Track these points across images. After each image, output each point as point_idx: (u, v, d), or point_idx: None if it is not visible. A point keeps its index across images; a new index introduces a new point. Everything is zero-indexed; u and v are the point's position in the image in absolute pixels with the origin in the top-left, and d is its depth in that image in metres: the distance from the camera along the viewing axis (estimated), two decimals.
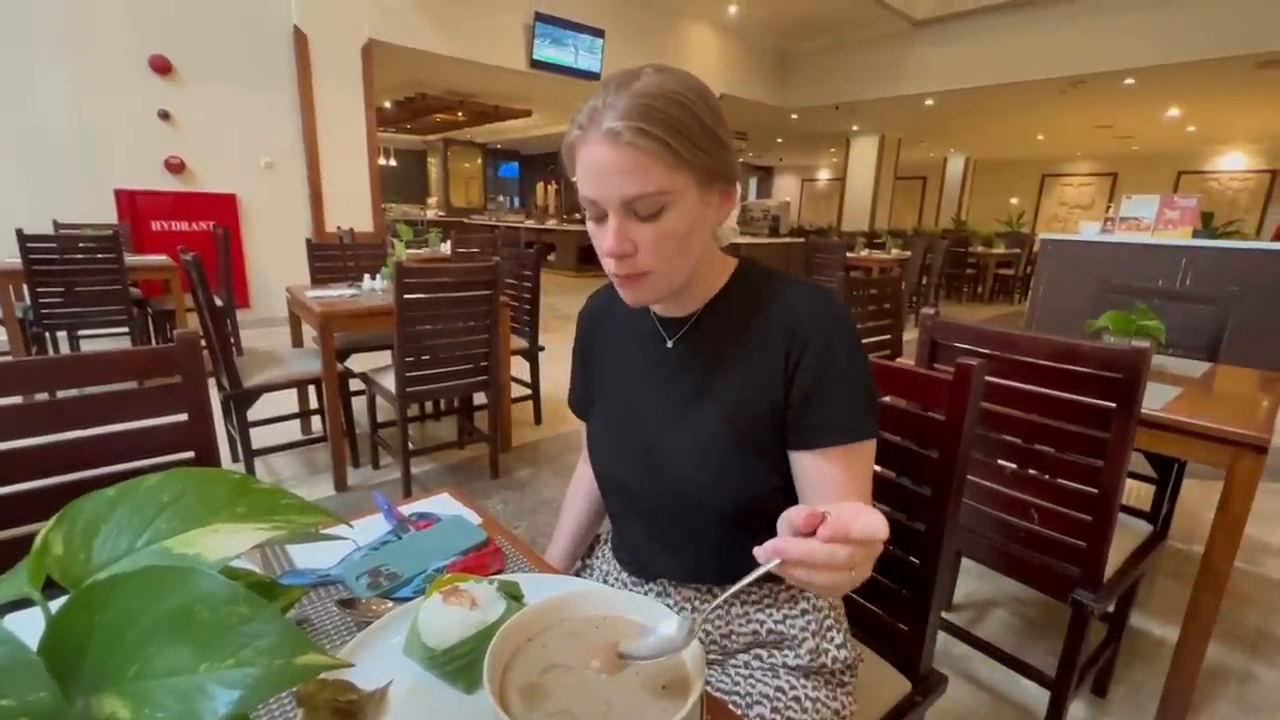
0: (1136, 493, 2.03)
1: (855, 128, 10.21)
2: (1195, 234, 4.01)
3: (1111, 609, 1.44)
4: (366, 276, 2.64)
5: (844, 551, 0.42)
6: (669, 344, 0.71)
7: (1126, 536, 1.35)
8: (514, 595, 0.54)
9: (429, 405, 3.16)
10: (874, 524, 0.42)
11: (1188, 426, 1.25)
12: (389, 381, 2.22)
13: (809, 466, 0.65)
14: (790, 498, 0.68)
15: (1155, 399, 1.36)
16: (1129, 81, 6.55)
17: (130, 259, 3.27)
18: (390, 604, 0.60)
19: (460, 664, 0.48)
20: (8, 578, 0.29)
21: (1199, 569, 1.31)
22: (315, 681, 0.45)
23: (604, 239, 0.61)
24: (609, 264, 0.62)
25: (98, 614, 0.26)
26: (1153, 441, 1.31)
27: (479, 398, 2.68)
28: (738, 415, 0.66)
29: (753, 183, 16.60)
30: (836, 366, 0.64)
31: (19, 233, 2.77)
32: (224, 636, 0.25)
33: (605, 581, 0.83)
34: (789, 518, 0.45)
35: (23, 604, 0.31)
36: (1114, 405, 1.09)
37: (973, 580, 1.91)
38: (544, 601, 0.49)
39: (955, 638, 1.52)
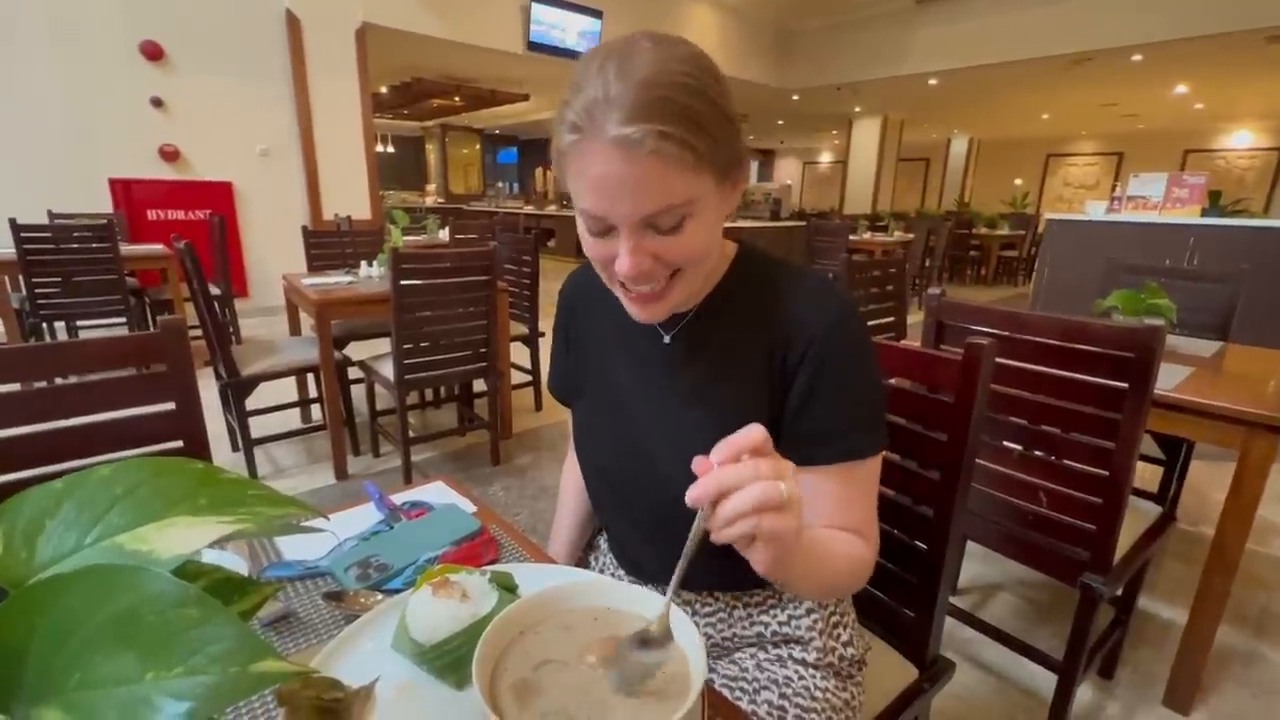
0: (1143, 474, 2.01)
1: (857, 109, 10.09)
2: (1204, 212, 3.95)
3: (1120, 593, 1.42)
4: (364, 263, 2.60)
5: (751, 465, 0.40)
6: (666, 339, 0.66)
7: (1135, 519, 1.33)
8: (507, 587, 0.52)
9: (429, 393, 3.14)
10: (749, 433, 0.41)
11: (1200, 407, 1.22)
12: (387, 369, 2.20)
13: (803, 479, 0.61)
14: None
15: (1166, 379, 1.33)
16: (1136, 58, 6.44)
17: (126, 249, 3.24)
18: (379, 596, 0.58)
19: (450, 659, 0.46)
20: None
21: (1209, 551, 1.29)
22: (298, 678, 0.43)
23: (614, 256, 0.53)
24: (617, 285, 0.56)
25: (38, 618, 0.24)
26: (1164, 423, 1.29)
27: (479, 384, 2.66)
28: (734, 418, 0.60)
29: (754, 166, 16.45)
30: (835, 375, 0.59)
31: (12, 223, 2.74)
32: (173, 642, 0.23)
33: (604, 574, 0.81)
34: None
35: None
36: (1126, 386, 1.06)
37: (978, 563, 1.89)
38: (538, 593, 0.47)
39: (961, 621, 1.51)
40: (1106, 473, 1.10)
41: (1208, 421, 1.23)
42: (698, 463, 0.42)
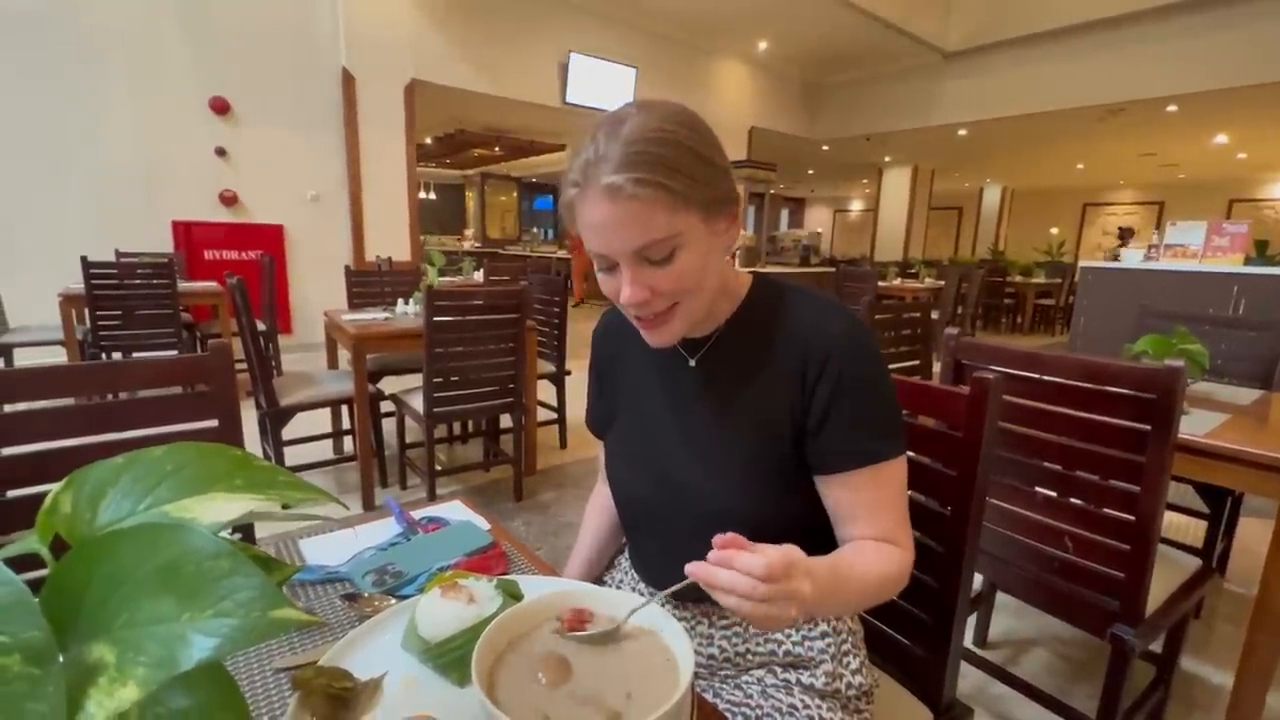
0: (1187, 529, 1.93)
1: (887, 158, 10.21)
2: (1248, 260, 3.86)
3: (1160, 650, 1.35)
4: (400, 301, 2.72)
5: (744, 583, 0.44)
6: (691, 363, 0.71)
7: (1172, 570, 1.28)
8: (512, 594, 0.54)
9: (456, 427, 3.20)
10: (748, 560, 0.45)
11: (1233, 453, 1.18)
12: (417, 402, 2.27)
13: (832, 491, 0.65)
14: (810, 518, 0.68)
15: (1200, 425, 1.30)
16: (1171, 108, 6.42)
17: (182, 285, 3.44)
18: (393, 601, 0.61)
19: (453, 657, 0.48)
20: (25, 538, 0.31)
21: (1253, 610, 1.23)
22: (312, 668, 0.46)
23: (619, 289, 0.61)
24: (629, 312, 0.63)
25: (95, 567, 0.28)
26: (1198, 469, 1.25)
27: (505, 421, 2.71)
28: (759, 437, 0.66)
29: (784, 214, 16.65)
30: (850, 385, 0.63)
31: (83, 260, 2.95)
32: (206, 588, 0.26)
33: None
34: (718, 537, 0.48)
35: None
36: (1149, 428, 1.04)
37: (1010, 617, 1.82)
38: (537, 598, 0.49)
39: (992, 676, 1.45)
40: (1133, 518, 1.07)
41: (1243, 469, 1.19)
42: (718, 541, 0.47)
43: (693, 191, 0.58)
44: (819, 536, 0.68)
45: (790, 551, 0.48)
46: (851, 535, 0.64)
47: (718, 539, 0.47)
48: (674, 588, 0.49)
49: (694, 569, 0.46)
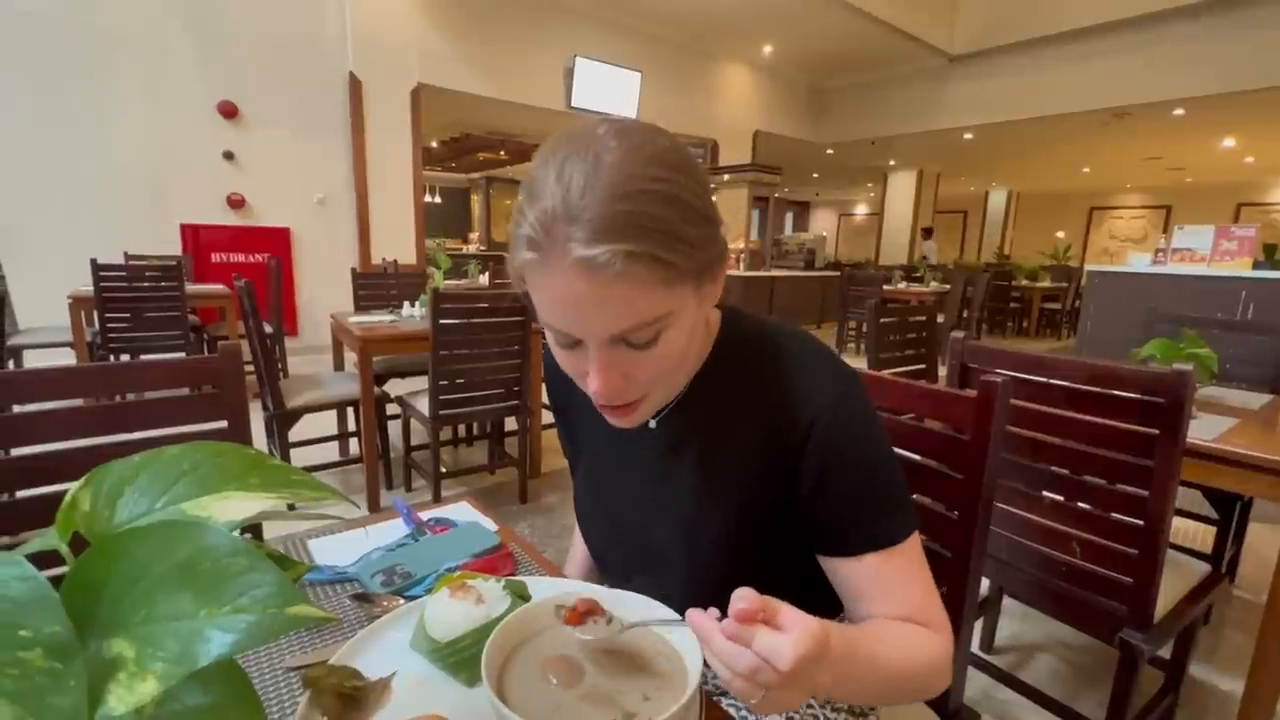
0: (1196, 534, 1.92)
1: (892, 162, 10.21)
2: (1256, 265, 3.84)
3: (1169, 655, 1.34)
4: (406, 303, 2.73)
5: (744, 661, 0.37)
6: (652, 424, 0.62)
7: (1181, 575, 1.27)
8: (521, 595, 0.55)
9: (461, 430, 3.21)
10: (774, 646, 0.36)
11: (1242, 458, 1.18)
12: (423, 404, 2.27)
13: (838, 569, 0.56)
14: (802, 597, 0.59)
15: (1208, 430, 1.29)
16: (1178, 112, 6.40)
17: (190, 288, 3.47)
18: (402, 601, 0.61)
19: (462, 657, 0.48)
20: (44, 535, 0.32)
21: (1263, 615, 1.22)
22: (323, 666, 0.46)
23: (584, 371, 0.50)
24: (594, 398, 0.52)
25: (114, 563, 0.28)
26: (1207, 474, 1.24)
27: (510, 424, 2.72)
28: (737, 508, 0.58)
29: (789, 217, 16.65)
30: (846, 457, 0.54)
31: (93, 262, 2.98)
32: (224, 585, 0.26)
33: None
34: (737, 593, 0.40)
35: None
36: (1157, 432, 1.04)
37: (1017, 622, 1.81)
38: (546, 598, 0.49)
39: (999, 681, 1.45)
40: (1142, 522, 1.07)
41: (1252, 474, 1.18)
42: (739, 603, 0.39)
43: (690, 261, 0.46)
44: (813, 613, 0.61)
45: (823, 639, 0.38)
46: (867, 615, 0.56)
47: (737, 609, 0.38)
48: (665, 621, 0.45)
49: (697, 623, 0.39)
